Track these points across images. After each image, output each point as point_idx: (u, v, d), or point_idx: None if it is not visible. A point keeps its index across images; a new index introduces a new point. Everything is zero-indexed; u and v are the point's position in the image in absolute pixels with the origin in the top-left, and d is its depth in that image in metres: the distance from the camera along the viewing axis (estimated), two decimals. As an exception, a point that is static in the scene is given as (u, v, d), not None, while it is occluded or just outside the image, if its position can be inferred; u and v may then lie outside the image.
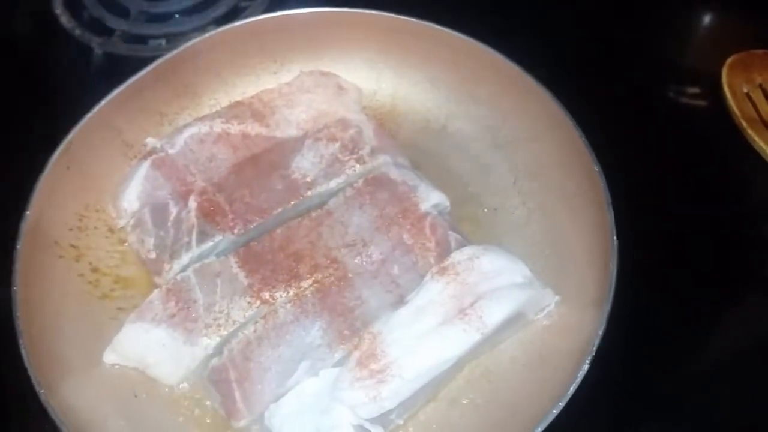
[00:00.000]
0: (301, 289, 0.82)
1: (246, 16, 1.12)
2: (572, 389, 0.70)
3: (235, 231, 0.86)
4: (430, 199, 0.88)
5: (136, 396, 0.79)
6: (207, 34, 0.99)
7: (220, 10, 1.17)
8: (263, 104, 0.98)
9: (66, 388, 0.75)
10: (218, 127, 0.94)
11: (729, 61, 1.11)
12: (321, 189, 0.90)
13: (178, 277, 0.83)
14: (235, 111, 0.97)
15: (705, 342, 0.88)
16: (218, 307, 0.81)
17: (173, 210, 0.88)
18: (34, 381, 0.72)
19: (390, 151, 0.94)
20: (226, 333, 0.79)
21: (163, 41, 1.15)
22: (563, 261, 0.85)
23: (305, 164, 0.92)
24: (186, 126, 0.95)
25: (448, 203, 0.90)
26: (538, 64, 0.94)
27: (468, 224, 0.91)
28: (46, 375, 0.73)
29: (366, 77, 1.04)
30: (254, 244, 0.86)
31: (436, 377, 0.76)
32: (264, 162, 0.92)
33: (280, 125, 0.96)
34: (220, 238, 0.86)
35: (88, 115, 0.89)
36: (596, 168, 0.83)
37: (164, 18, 1.18)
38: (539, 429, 0.69)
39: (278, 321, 0.80)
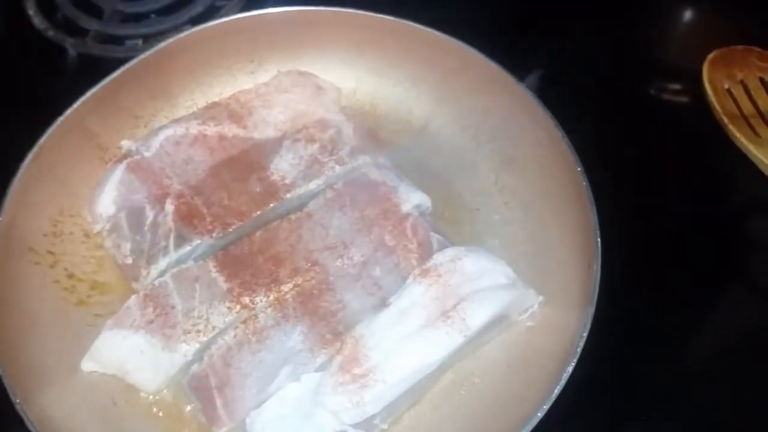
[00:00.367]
0: (282, 293, 0.81)
1: (222, 16, 1.10)
2: (557, 390, 0.70)
3: (214, 234, 0.85)
4: (412, 199, 0.87)
5: (115, 403, 0.78)
6: (182, 34, 0.98)
7: (196, 10, 1.15)
8: (240, 105, 0.96)
9: (43, 397, 0.74)
10: (194, 128, 0.93)
11: (710, 57, 1.10)
12: (300, 191, 0.89)
13: (156, 283, 0.81)
14: (212, 112, 0.95)
15: (691, 341, 0.87)
16: (197, 313, 0.79)
17: (150, 214, 0.87)
18: (9, 391, 0.71)
19: (370, 152, 0.93)
20: (205, 339, 0.78)
21: (140, 41, 1.13)
22: (546, 261, 0.85)
23: (284, 166, 0.91)
24: (162, 128, 0.93)
25: (429, 204, 0.89)
26: (519, 63, 0.94)
27: (450, 225, 0.91)
28: (22, 384, 0.72)
29: (345, 77, 1.02)
30: (233, 248, 0.84)
31: (419, 381, 0.76)
32: (242, 164, 0.91)
33: (257, 126, 0.95)
34: (198, 242, 0.85)
35: (61, 118, 0.87)
36: (578, 168, 0.83)
37: (139, 18, 1.16)
38: (525, 431, 0.69)
39: (258, 326, 0.79)
